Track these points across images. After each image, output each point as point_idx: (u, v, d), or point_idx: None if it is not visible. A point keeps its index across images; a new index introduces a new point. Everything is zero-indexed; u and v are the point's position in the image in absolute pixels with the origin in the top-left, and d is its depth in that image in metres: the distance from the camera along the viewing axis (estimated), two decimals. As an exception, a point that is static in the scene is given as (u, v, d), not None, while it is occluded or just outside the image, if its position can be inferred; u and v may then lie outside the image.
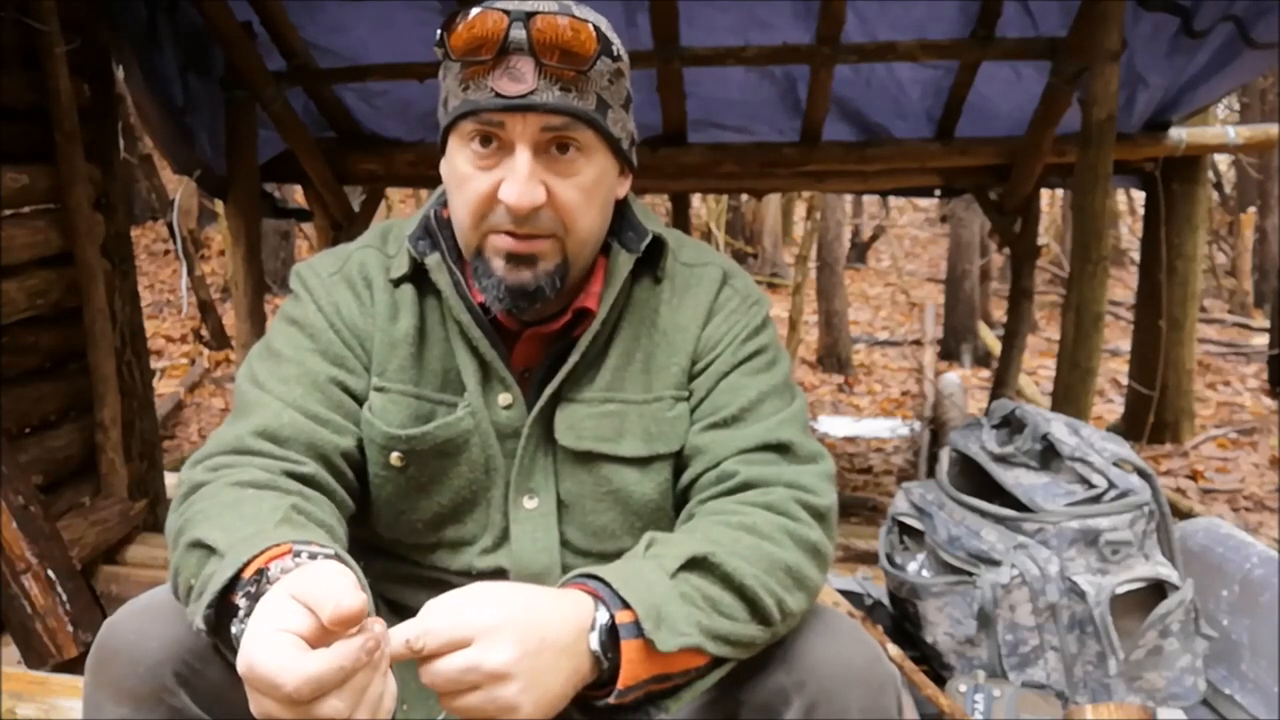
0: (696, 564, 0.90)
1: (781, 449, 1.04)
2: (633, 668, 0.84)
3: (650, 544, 0.94)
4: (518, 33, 0.94)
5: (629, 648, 0.84)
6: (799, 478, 1.02)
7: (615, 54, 1.00)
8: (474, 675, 0.78)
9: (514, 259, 1.00)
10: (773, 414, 1.06)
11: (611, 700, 0.84)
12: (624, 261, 1.08)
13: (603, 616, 0.85)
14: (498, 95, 0.95)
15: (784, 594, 0.93)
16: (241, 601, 0.80)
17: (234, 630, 0.80)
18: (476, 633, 0.79)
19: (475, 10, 0.96)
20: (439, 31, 0.98)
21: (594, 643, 0.84)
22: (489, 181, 0.98)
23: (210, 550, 0.87)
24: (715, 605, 0.89)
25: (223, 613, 0.82)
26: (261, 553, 0.82)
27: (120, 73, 3.18)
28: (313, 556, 0.81)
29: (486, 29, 0.94)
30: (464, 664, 0.78)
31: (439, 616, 0.79)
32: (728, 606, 0.90)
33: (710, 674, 0.90)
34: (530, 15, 0.94)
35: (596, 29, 0.96)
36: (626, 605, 0.85)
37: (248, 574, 0.81)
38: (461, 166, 1.00)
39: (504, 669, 0.78)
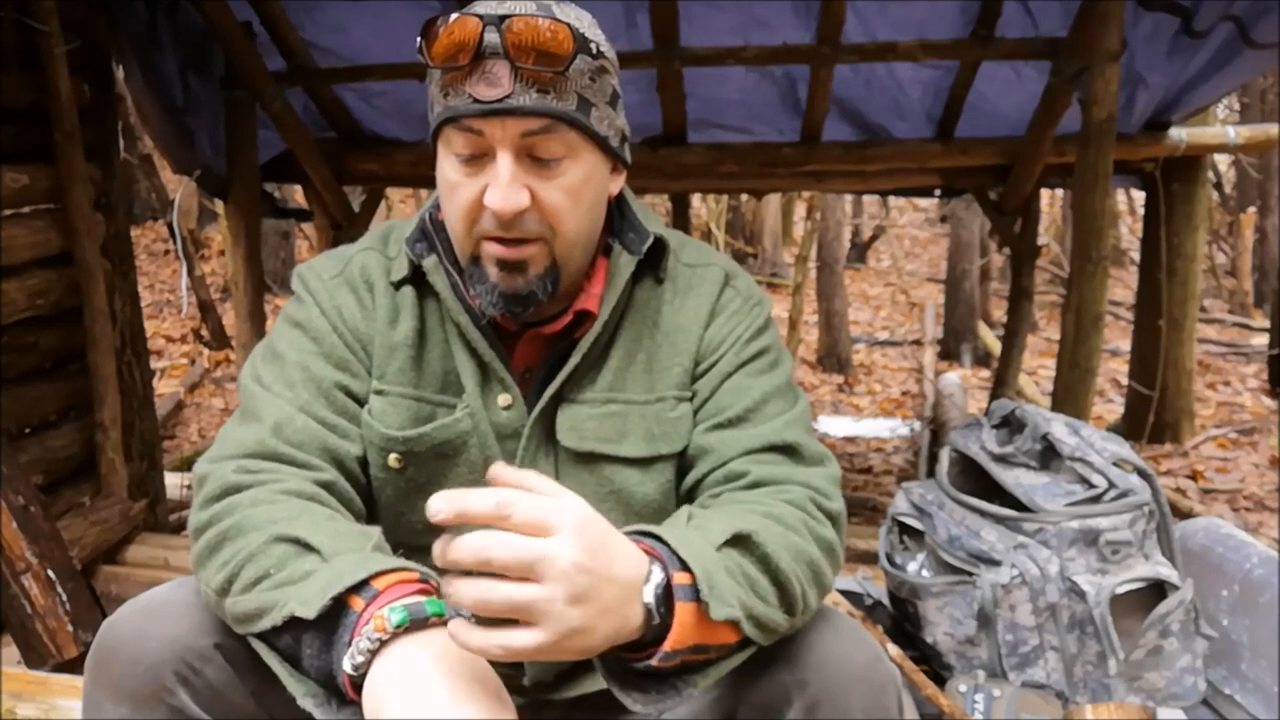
0: (740, 541, 0.89)
1: (788, 450, 1.04)
2: (683, 631, 0.83)
3: (690, 517, 0.94)
4: (491, 37, 0.94)
5: (684, 610, 0.83)
6: (810, 479, 1.02)
7: (595, 51, 0.99)
8: (541, 566, 0.75)
9: (505, 265, 1.00)
10: (777, 415, 1.06)
11: (655, 662, 0.83)
12: (626, 263, 1.08)
13: (658, 574, 0.84)
14: (475, 101, 0.95)
15: (807, 586, 0.93)
16: (361, 605, 0.83)
17: (348, 631, 0.82)
18: (558, 526, 0.77)
19: (452, 16, 0.96)
20: (418, 40, 0.98)
21: (648, 595, 0.83)
22: (475, 188, 0.98)
23: (308, 548, 0.88)
24: (753, 585, 0.89)
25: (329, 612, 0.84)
26: (392, 570, 0.86)
27: (120, 73, 3.19)
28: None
29: (462, 35, 0.94)
30: (537, 553, 0.75)
31: (526, 497, 0.78)
32: (763, 589, 0.89)
33: (733, 658, 0.89)
34: (504, 18, 0.94)
35: (573, 28, 0.96)
36: (685, 567, 0.84)
37: (378, 583, 0.84)
38: (449, 174, 1.00)
39: (571, 571, 0.76)
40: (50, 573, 2.27)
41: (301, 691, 0.85)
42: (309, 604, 0.83)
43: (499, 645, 0.76)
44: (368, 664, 0.80)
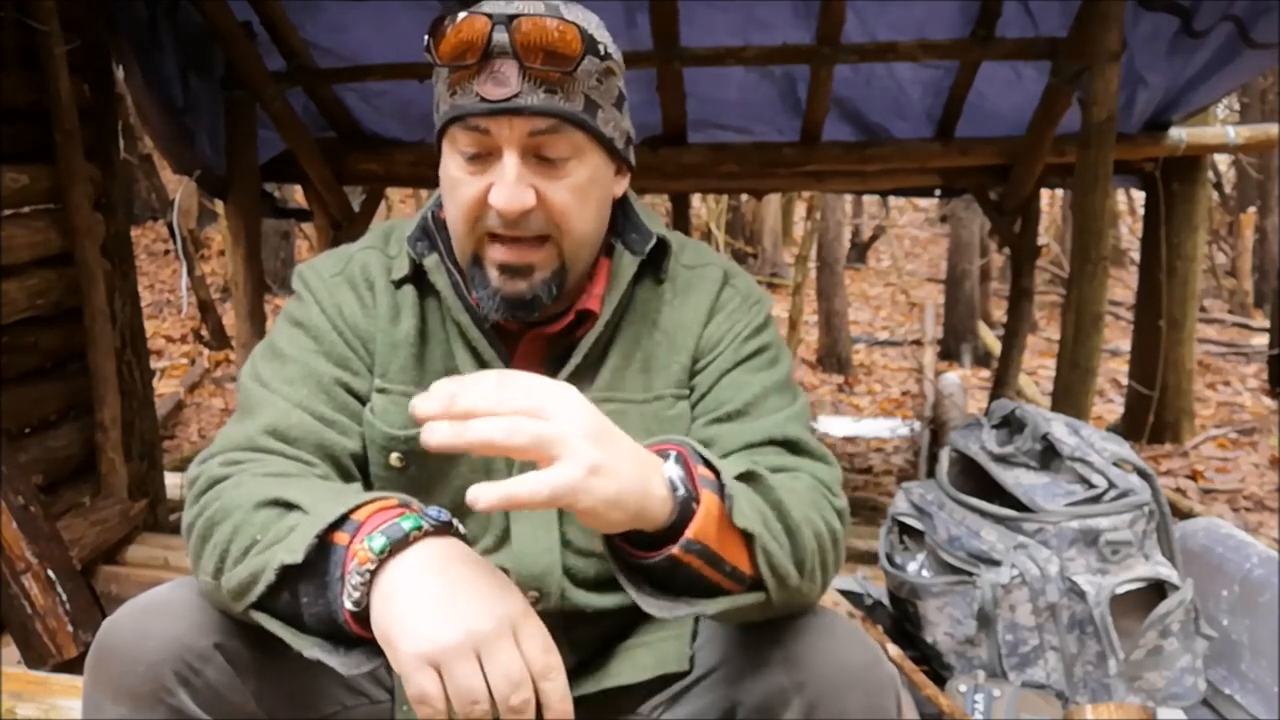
0: (752, 478, 0.89)
1: (789, 445, 1.04)
2: (707, 522, 0.83)
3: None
4: (500, 36, 0.94)
5: (709, 499, 0.83)
6: (816, 472, 1.02)
7: (603, 53, 0.99)
8: (551, 408, 0.79)
9: (509, 270, 1.00)
10: (777, 410, 1.06)
11: (676, 550, 0.82)
12: (628, 264, 1.08)
13: (674, 462, 0.85)
14: (483, 99, 0.95)
15: (816, 556, 0.92)
16: (346, 540, 0.84)
17: (338, 567, 0.83)
18: (550, 399, 0.80)
19: (461, 15, 0.96)
20: (426, 38, 0.98)
21: (670, 471, 0.84)
22: (479, 187, 0.98)
23: (290, 506, 0.88)
24: (766, 522, 0.88)
25: (317, 553, 0.84)
26: (370, 501, 0.87)
27: (120, 73, 3.18)
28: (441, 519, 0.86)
29: (470, 34, 0.95)
30: (546, 393, 0.80)
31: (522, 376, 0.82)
32: (775, 530, 0.88)
33: (742, 599, 0.87)
34: (513, 18, 0.94)
35: (581, 29, 0.96)
36: (707, 464, 0.86)
37: (358, 515, 0.85)
38: (453, 172, 1.00)
39: (580, 411, 0.80)
40: (50, 573, 2.27)
41: (307, 645, 0.85)
42: (295, 550, 0.83)
43: (529, 486, 0.76)
44: (366, 596, 0.81)
